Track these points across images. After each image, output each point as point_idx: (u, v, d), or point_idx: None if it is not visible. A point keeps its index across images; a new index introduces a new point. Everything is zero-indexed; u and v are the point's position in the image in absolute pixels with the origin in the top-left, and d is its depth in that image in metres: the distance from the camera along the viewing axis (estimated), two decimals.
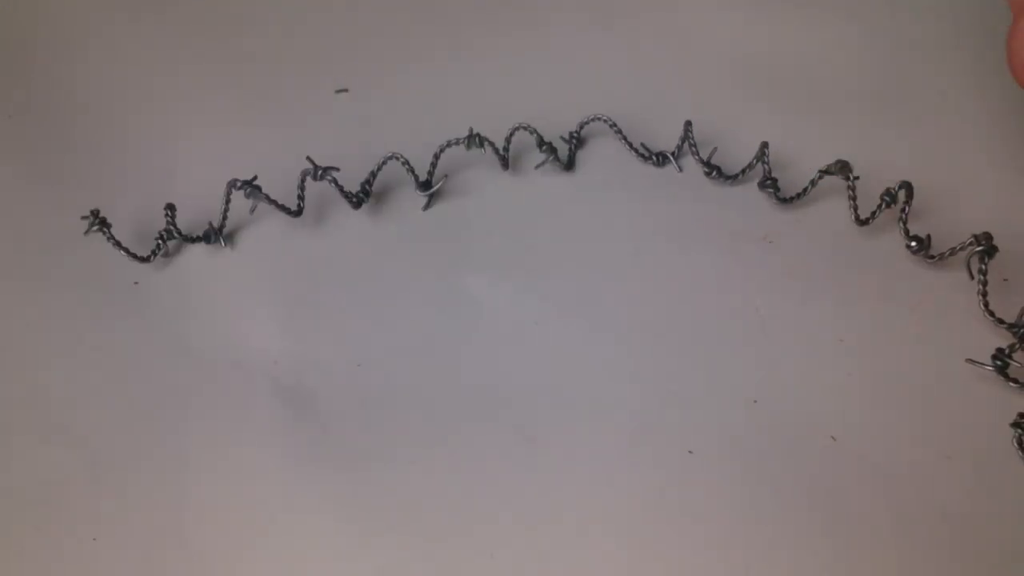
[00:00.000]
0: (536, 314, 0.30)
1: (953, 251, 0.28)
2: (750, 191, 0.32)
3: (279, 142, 0.34)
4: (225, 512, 0.26)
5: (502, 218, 0.32)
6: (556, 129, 0.32)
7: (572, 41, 0.37)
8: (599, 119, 0.32)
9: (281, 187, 0.31)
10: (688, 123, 0.32)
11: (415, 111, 0.35)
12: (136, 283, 0.31)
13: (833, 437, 0.27)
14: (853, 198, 0.30)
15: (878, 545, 0.25)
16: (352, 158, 0.31)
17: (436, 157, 0.32)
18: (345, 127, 0.35)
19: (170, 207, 0.31)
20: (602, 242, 0.31)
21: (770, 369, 0.28)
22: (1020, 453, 0.26)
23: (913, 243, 0.29)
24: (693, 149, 0.32)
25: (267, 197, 0.30)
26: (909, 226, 0.29)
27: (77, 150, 0.34)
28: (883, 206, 0.29)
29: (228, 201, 0.31)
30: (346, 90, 0.36)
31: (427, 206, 0.32)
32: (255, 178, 0.30)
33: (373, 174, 0.31)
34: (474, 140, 0.31)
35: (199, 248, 0.32)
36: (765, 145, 0.31)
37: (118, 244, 0.30)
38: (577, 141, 0.33)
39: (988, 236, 0.27)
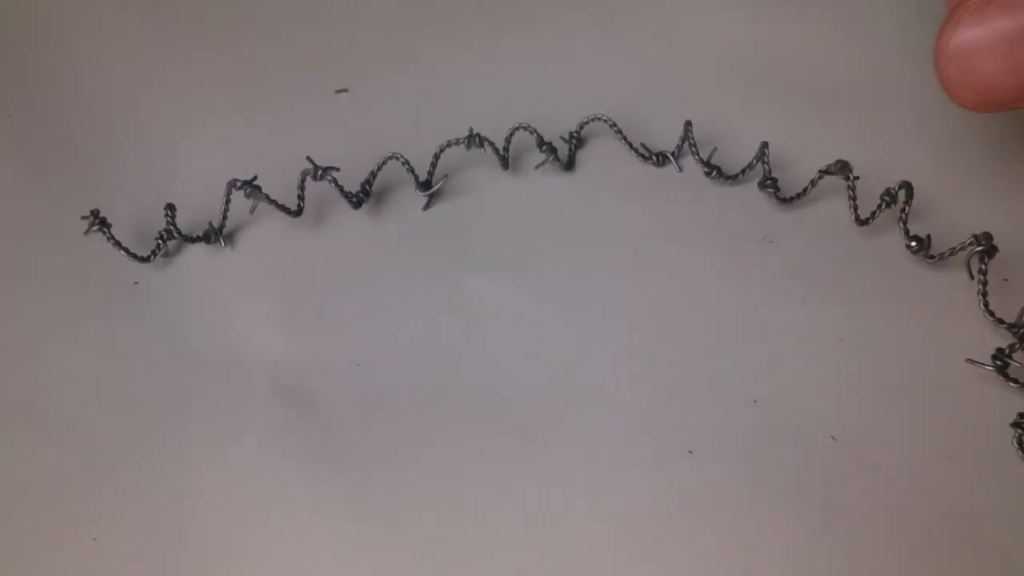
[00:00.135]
0: (536, 314, 0.30)
1: (953, 251, 0.28)
2: (750, 191, 0.32)
3: (279, 142, 0.34)
4: (225, 512, 0.26)
5: (502, 218, 0.32)
6: (556, 129, 0.32)
7: (572, 41, 0.37)
8: (599, 119, 0.32)
9: (281, 187, 0.31)
10: (688, 123, 0.32)
11: (415, 111, 0.35)
12: (136, 283, 0.31)
13: (833, 437, 0.27)
14: (853, 198, 0.30)
15: (878, 545, 0.25)
16: (352, 158, 0.31)
17: (436, 157, 0.32)
18: (345, 127, 0.35)
19: (170, 207, 0.31)
20: (602, 242, 0.31)
21: (770, 369, 0.28)
22: (1020, 453, 0.26)
23: (913, 243, 0.29)
24: (693, 149, 0.32)
25: (267, 197, 0.30)
26: (909, 226, 0.29)
27: (77, 150, 0.34)
28: (883, 206, 0.29)
29: (228, 201, 0.31)
30: (346, 90, 0.36)
31: (427, 206, 0.32)
32: (255, 178, 0.30)
33: (373, 174, 0.31)
34: (474, 140, 0.31)
35: (199, 248, 0.32)
36: (765, 145, 0.31)
37: (118, 244, 0.30)
38: (577, 141, 0.33)
39: (988, 236, 0.27)
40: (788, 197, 0.31)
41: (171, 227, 0.31)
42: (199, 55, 0.37)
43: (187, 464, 0.27)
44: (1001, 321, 0.27)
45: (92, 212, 0.30)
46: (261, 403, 0.28)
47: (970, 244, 0.27)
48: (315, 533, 0.26)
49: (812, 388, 0.28)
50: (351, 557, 0.25)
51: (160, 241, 0.31)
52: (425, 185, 0.32)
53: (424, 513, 0.26)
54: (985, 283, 0.27)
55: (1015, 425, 0.26)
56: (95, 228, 0.30)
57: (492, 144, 0.32)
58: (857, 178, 0.30)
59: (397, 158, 0.31)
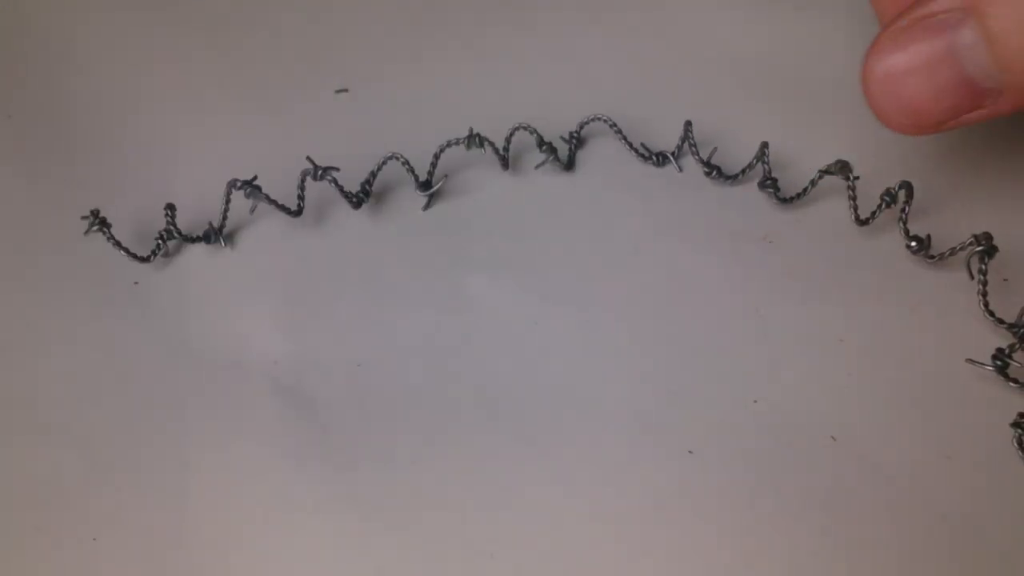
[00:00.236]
0: (536, 314, 0.30)
1: (953, 251, 0.28)
2: (750, 191, 0.32)
3: (279, 142, 0.34)
4: (225, 512, 0.26)
5: (502, 218, 0.32)
6: (556, 129, 0.32)
7: (572, 41, 0.37)
8: (599, 119, 0.32)
9: (281, 187, 0.31)
10: (688, 123, 0.32)
11: (415, 111, 0.35)
12: (136, 283, 0.31)
13: (833, 437, 0.27)
14: (853, 198, 0.30)
15: (878, 545, 0.25)
16: (352, 158, 0.31)
17: (436, 157, 0.32)
18: (345, 127, 0.35)
19: (170, 207, 0.31)
20: (602, 242, 0.31)
21: (770, 369, 0.28)
22: (1020, 453, 0.26)
23: (913, 243, 0.29)
24: (693, 149, 0.32)
25: (267, 197, 0.30)
26: (909, 226, 0.29)
27: (77, 150, 0.34)
28: (883, 206, 0.29)
29: (228, 201, 0.31)
30: (346, 90, 0.36)
31: (427, 206, 0.32)
32: (255, 178, 0.30)
33: (373, 174, 0.31)
34: (474, 140, 0.31)
35: (199, 248, 0.32)
36: (765, 145, 0.31)
37: (118, 244, 0.30)
38: (577, 141, 0.33)
39: (988, 236, 0.27)
40: (788, 197, 0.31)
41: (171, 227, 0.31)
42: (199, 55, 0.37)
43: (187, 464, 0.27)
44: (1001, 321, 0.27)
45: (92, 212, 0.30)
46: (261, 403, 0.28)
47: (970, 244, 0.27)
48: (315, 533, 0.26)
49: (812, 388, 0.28)
50: (351, 557, 0.25)
51: (160, 241, 0.31)
52: (425, 185, 0.32)
53: (424, 513, 0.26)
54: (985, 283, 0.27)
55: (1015, 425, 0.26)
56: (95, 228, 0.30)
57: (492, 144, 0.32)
58: (857, 178, 0.30)
59: (397, 158, 0.31)
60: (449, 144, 0.31)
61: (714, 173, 0.32)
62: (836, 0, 0.37)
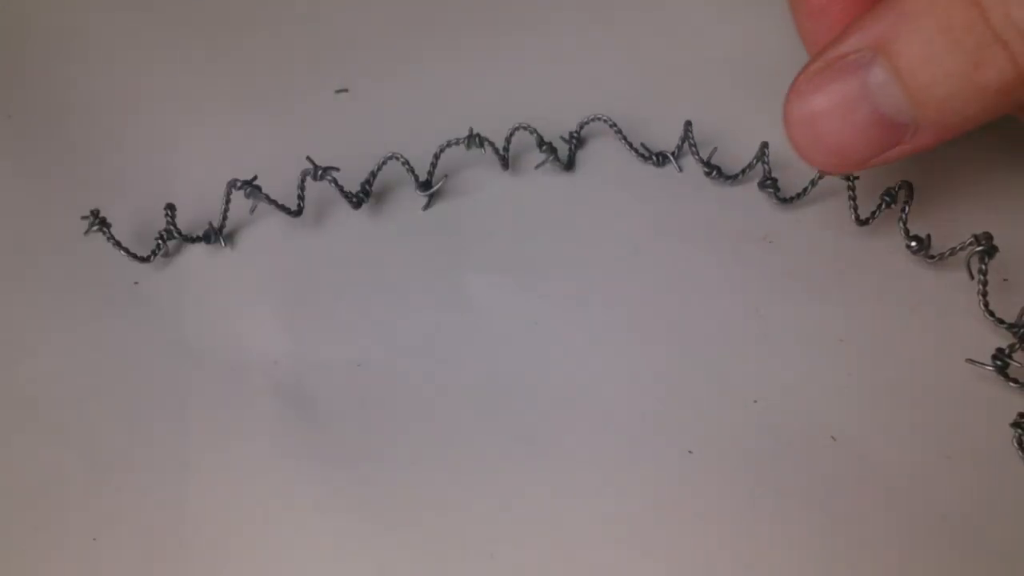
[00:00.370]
0: (536, 314, 0.30)
1: (953, 251, 0.28)
2: (750, 191, 0.32)
3: (279, 142, 0.34)
4: (225, 512, 0.26)
5: (502, 218, 0.32)
6: (556, 129, 0.32)
7: (572, 41, 0.37)
8: (599, 119, 0.32)
9: (281, 187, 0.31)
10: (688, 123, 0.32)
11: (415, 111, 0.35)
12: (136, 283, 0.31)
13: (833, 437, 0.27)
14: (853, 198, 0.30)
15: (878, 545, 0.25)
16: (352, 158, 0.31)
17: (436, 157, 0.32)
18: (345, 127, 0.35)
19: (170, 207, 0.31)
20: (602, 242, 0.31)
21: (770, 369, 0.28)
22: (1020, 453, 0.26)
23: (913, 243, 0.29)
24: (693, 149, 0.32)
25: (267, 197, 0.30)
26: (909, 226, 0.29)
27: (77, 150, 0.34)
28: (883, 206, 0.29)
29: (228, 201, 0.31)
30: (346, 90, 0.36)
31: (427, 206, 0.32)
32: (255, 178, 0.30)
33: (373, 174, 0.31)
34: (474, 140, 0.31)
35: (199, 248, 0.32)
36: (765, 145, 0.31)
37: (118, 244, 0.30)
38: (577, 141, 0.33)
39: (988, 236, 0.27)
40: (788, 197, 0.31)
41: (171, 227, 0.31)
42: (199, 55, 0.37)
43: (187, 464, 0.27)
44: (1001, 321, 0.27)
45: (92, 212, 0.30)
46: (261, 403, 0.28)
47: (970, 244, 0.27)
48: (315, 533, 0.26)
49: (812, 388, 0.28)
50: (351, 557, 0.25)
51: (160, 241, 0.31)
52: (425, 185, 0.32)
53: (424, 513, 0.26)
54: (985, 283, 0.27)
55: (1015, 425, 0.26)
56: (95, 228, 0.30)
57: (492, 144, 0.32)
58: (857, 178, 0.30)
59: (397, 158, 0.31)
60: (449, 144, 0.31)
61: (714, 173, 0.32)
62: None
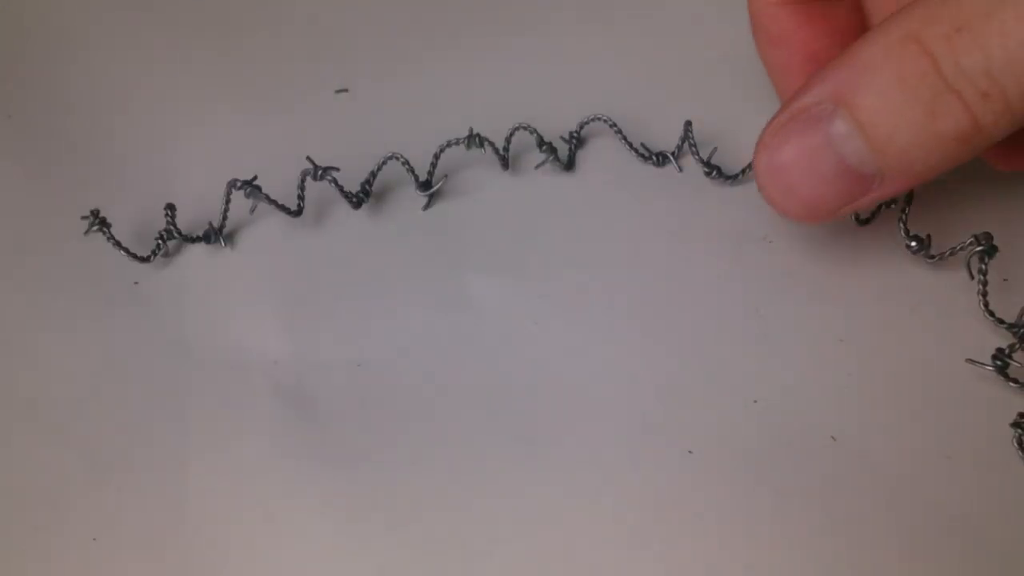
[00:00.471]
0: (536, 314, 0.30)
1: (953, 251, 0.28)
2: (750, 191, 0.32)
3: (279, 142, 0.34)
4: (225, 512, 0.26)
5: (502, 218, 0.32)
6: (556, 129, 0.32)
7: (572, 41, 0.37)
8: (599, 119, 0.32)
9: (281, 187, 0.31)
10: (688, 123, 0.32)
11: (415, 111, 0.35)
12: (136, 283, 0.31)
13: (833, 437, 0.27)
14: None
15: (878, 545, 0.25)
16: (352, 158, 0.31)
17: (436, 157, 0.32)
18: (345, 127, 0.35)
19: (170, 207, 0.31)
20: (602, 242, 0.31)
21: (770, 369, 0.28)
22: (1020, 453, 0.26)
23: (913, 243, 0.29)
24: (693, 149, 0.32)
25: (267, 197, 0.30)
26: (909, 226, 0.29)
27: (77, 150, 0.34)
28: (883, 206, 0.29)
29: (228, 201, 0.31)
30: (346, 90, 0.36)
31: (427, 206, 0.32)
32: (255, 178, 0.30)
33: (373, 174, 0.31)
34: (474, 140, 0.31)
35: (199, 248, 0.32)
36: None
37: (118, 244, 0.30)
38: (577, 141, 0.33)
39: (988, 236, 0.27)
40: None
41: (171, 227, 0.31)
42: (199, 55, 0.37)
43: (187, 464, 0.27)
44: (1001, 321, 0.27)
45: (92, 212, 0.30)
46: (261, 403, 0.28)
47: (970, 244, 0.27)
48: (315, 533, 0.26)
49: (812, 388, 0.28)
50: (351, 557, 0.25)
51: (160, 241, 0.31)
52: (425, 185, 0.32)
53: (424, 513, 0.26)
54: (985, 283, 0.27)
55: (1015, 425, 0.26)
56: (95, 228, 0.30)
57: (492, 144, 0.32)
58: None
59: (397, 158, 0.31)
60: (449, 144, 0.31)
61: (714, 173, 0.32)
62: None
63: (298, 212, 0.31)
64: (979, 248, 0.27)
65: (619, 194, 0.32)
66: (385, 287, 0.30)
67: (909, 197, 0.29)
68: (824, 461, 0.26)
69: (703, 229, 0.31)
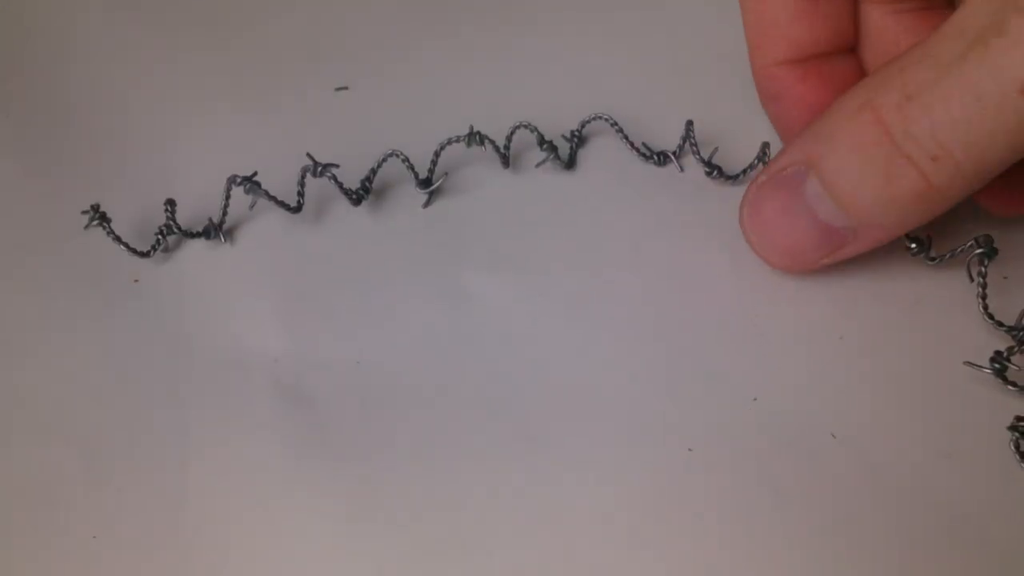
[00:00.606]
0: (536, 312, 0.30)
1: (953, 253, 0.28)
2: None
3: (279, 138, 0.34)
4: (225, 512, 0.26)
5: (502, 216, 0.32)
6: (557, 128, 0.32)
7: (573, 40, 0.37)
8: (600, 118, 0.32)
9: (281, 183, 0.31)
10: (689, 123, 0.32)
11: (415, 109, 0.35)
12: (136, 280, 0.31)
13: (833, 436, 0.27)
14: None
15: (878, 545, 0.25)
16: (352, 155, 0.31)
17: (436, 155, 0.31)
18: (345, 124, 0.34)
19: (170, 203, 0.31)
20: (602, 241, 0.31)
21: (770, 368, 0.28)
22: (1017, 456, 0.26)
23: (913, 244, 0.29)
24: (694, 149, 0.32)
25: (267, 193, 0.30)
26: None
27: (77, 146, 0.34)
28: None
29: (228, 197, 0.31)
30: (346, 87, 0.36)
31: (427, 203, 0.32)
32: (255, 174, 0.30)
33: (373, 171, 0.31)
34: (475, 138, 0.31)
35: (199, 244, 0.31)
36: (766, 145, 0.31)
37: (118, 239, 0.30)
38: (578, 140, 0.32)
39: (989, 238, 0.27)
40: None
41: (171, 222, 0.31)
42: (200, 52, 0.37)
43: (187, 463, 0.27)
44: (1000, 324, 0.27)
45: (92, 206, 0.30)
46: (261, 401, 0.28)
47: (970, 246, 0.27)
48: (315, 532, 0.26)
49: (812, 388, 0.28)
50: (351, 555, 0.25)
51: (160, 236, 0.31)
52: (425, 183, 0.32)
53: (424, 512, 0.26)
54: (985, 286, 0.27)
55: (1012, 428, 0.26)
56: (95, 223, 0.30)
57: (493, 142, 0.32)
58: None
59: (397, 155, 0.31)
60: (450, 142, 0.31)
61: (715, 173, 0.32)
62: None
63: (298, 209, 0.31)
64: (979, 250, 0.27)
65: (620, 193, 0.32)
66: (385, 284, 0.30)
67: None
68: (824, 459, 0.26)
69: (704, 228, 0.31)
